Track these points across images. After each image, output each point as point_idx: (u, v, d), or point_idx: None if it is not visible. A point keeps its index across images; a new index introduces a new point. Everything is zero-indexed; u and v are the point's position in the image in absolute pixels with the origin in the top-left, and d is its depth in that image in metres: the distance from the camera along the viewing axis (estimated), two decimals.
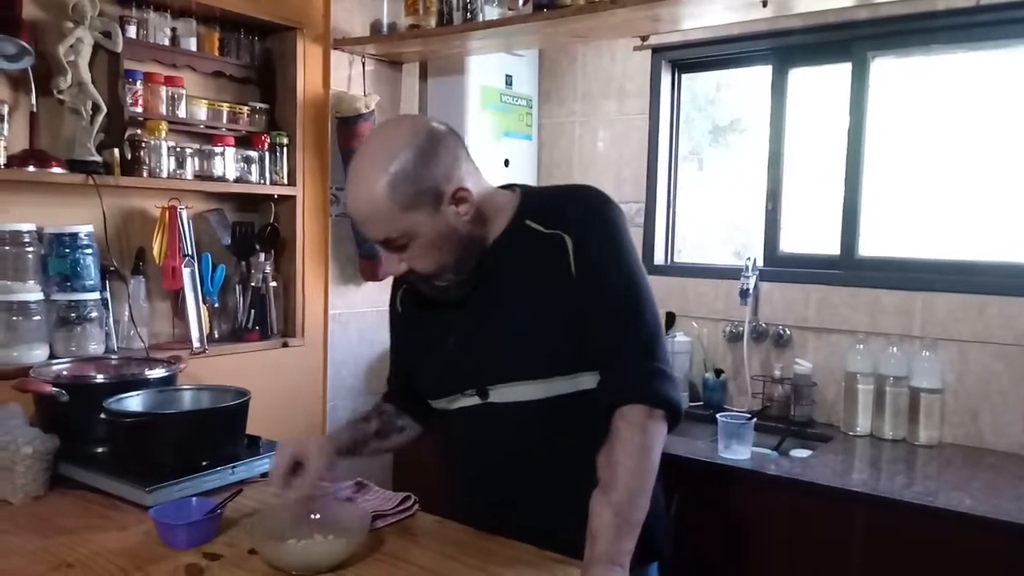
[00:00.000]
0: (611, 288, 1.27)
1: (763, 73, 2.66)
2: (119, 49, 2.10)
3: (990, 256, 2.30)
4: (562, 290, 1.27)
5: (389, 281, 2.79)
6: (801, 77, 2.61)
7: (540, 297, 1.29)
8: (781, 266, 2.62)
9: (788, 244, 2.67)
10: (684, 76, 2.88)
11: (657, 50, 2.79)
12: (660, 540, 1.39)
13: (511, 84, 2.94)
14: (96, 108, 2.08)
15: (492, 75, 2.87)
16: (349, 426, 1.47)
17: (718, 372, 2.63)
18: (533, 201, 1.36)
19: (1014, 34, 2.23)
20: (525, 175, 3.01)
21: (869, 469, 2.10)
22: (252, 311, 2.49)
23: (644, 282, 1.30)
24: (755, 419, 2.15)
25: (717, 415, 2.17)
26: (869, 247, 2.49)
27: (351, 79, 2.72)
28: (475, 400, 1.34)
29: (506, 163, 2.94)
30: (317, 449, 1.33)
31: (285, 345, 2.57)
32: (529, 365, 1.29)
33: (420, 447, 1.55)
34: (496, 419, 1.32)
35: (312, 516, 1.32)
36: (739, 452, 2.08)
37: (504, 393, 1.31)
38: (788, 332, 2.54)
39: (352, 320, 2.81)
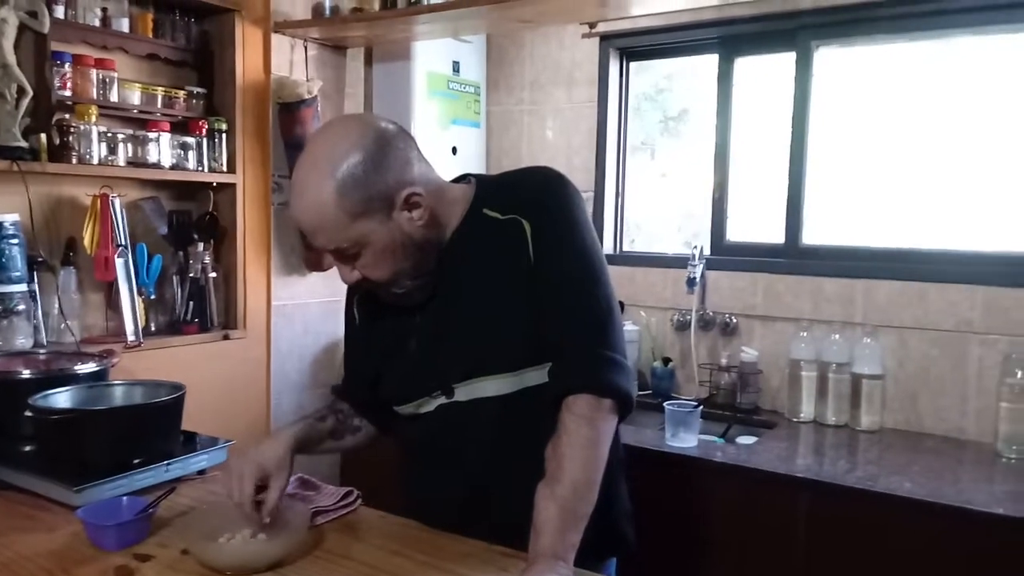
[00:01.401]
0: (563, 273, 1.23)
1: (710, 62, 2.67)
2: (46, 30, 2.02)
3: (929, 244, 2.34)
4: (523, 278, 1.23)
5: (335, 271, 2.76)
6: (747, 66, 2.63)
7: (501, 288, 1.25)
8: (728, 255, 2.64)
9: (735, 233, 2.69)
10: (632, 64, 2.88)
11: (605, 37, 2.78)
12: (625, 533, 1.37)
13: (458, 71, 2.91)
14: (21, 91, 1.99)
15: (439, 61, 2.83)
16: (302, 423, 1.39)
17: (666, 360, 2.64)
18: (488, 189, 1.32)
19: (953, 24, 2.27)
20: (473, 163, 2.98)
21: (812, 455, 2.13)
22: (191, 303, 2.42)
23: (599, 266, 1.26)
24: (702, 407, 2.17)
25: (665, 403, 2.17)
26: (813, 235, 2.53)
27: (293, 64, 2.66)
28: (441, 400, 1.29)
29: (454, 151, 2.90)
30: (277, 464, 1.26)
31: (226, 338, 2.50)
32: (494, 359, 1.25)
33: (367, 444, 1.50)
34: (465, 417, 1.27)
35: None
36: (686, 440, 2.09)
37: (471, 390, 1.26)
38: (735, 320, 2.56)
39: (296, 311, 2.75)
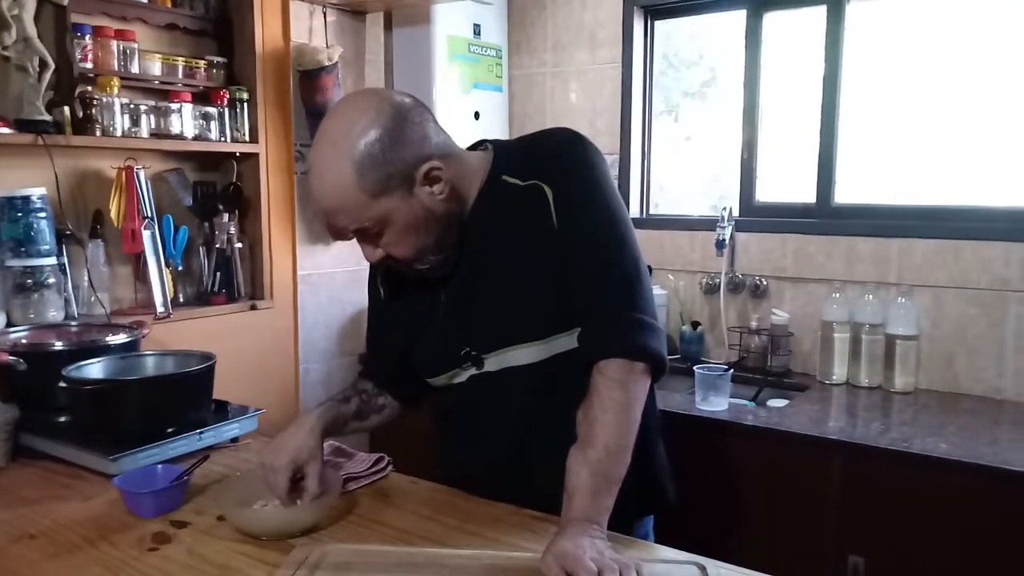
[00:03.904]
0: (588, 237, 1.21)
1: (738, 19, 2.61)
2: (66, 1, 2.00)
3: (965, 201, 2.29)
4: (547, 244, 1.21)
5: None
6: (776, 21, 2.56)
7: (526, 255, 1.23)
8: (757, 216, 2.60)
9: (764, 193, 2.64)
10: (658, 23, 2.82)
11: None
12: (666, 489, 1.37)
13: (479, 34, 2.86)
14: (44, 64, 1.98)
15: (459, 24, 2.79)
16: (326, 406, 1.36)
17: (695, 324, 2.61)
18: (506, 155, 1.29)
19: None
20: (496, 128, 2.95)
21: (845, 417, 2.10)
22: (218, 274, 2.42)
23: (624, 227, 1.23)
24: (732, 370, 2.15)
25: (694, 367, 2.16)
26: (845, 194, 2.48)
27: (312, 30, 2.63)
28: (470, 371, 1.29)
29: (476, 116, 2.87)
30: (309, 453, 1.25)
31: (253, 308, 2.50)
32: (523, 328, 1.24)
33: None
34: (496, 386, 1.27)
35: None
36: (716, 403, 2.07)
37: (501, 360, 1.25)
38: (765, 282, 2.53)
39: (322, 281, 2.75)
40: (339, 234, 2.86)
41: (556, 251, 1.20)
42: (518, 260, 1.24)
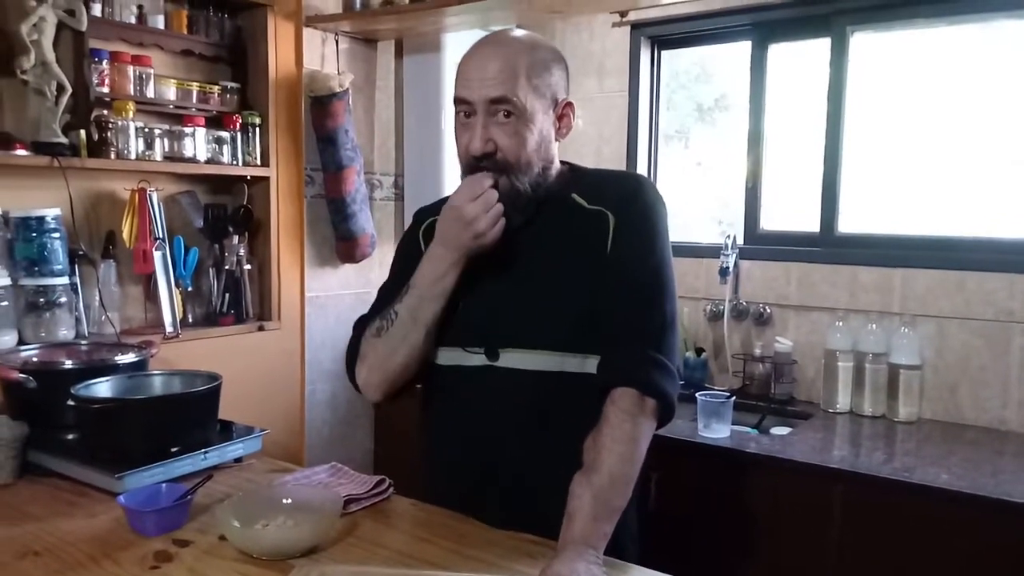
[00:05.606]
0: (637, 273, 1.26)
1: (744, 49, 2.64)
2: (84, 27, 2.05)
3: (969, 232, 2.29)
4: (595, 266, 1.26)
5: (365, 263, 2.78)
6: (781, 53, 2.59)
7: (572, 269, 1.28)
8: (762, 244, 2.61)
9: (769, 222, 2.65)
10: (664, 52, 2.85)
11: (636, 26, 2.76)
12: (627, 549, 1.33)
13: None
14: (61, 88, 2.02)
15: None
16: None
17: (699, 351, 2.62)
18: (581, 177, 1.37)
19: (993, 7, 2.22)
20: None
21: (848, 446, 2.10)
22: (227, 295, 2.45)
23: (670, 277, 1.29)
24: (735, 397, 2.15)
25: (697, 394, 2.16)
26: (849, 224, 2.49)
27: (324, 57, 2.67)
28: (481, 360, 1.31)
29: None
30: None
31: (261, 329, 2.53)
32: (543, 334, 1.27)
33: (400, 432, 1.51)
34: (498, 385, 1.29)
35: (284, 501, 1.30)
36: (719, 431, 2.07)
37: (512, 358, 1.28)
38: (769, 310, 2.54)
39: (330, 303, 2.78)
40: (347, 256, 2.86)
41: (600, 277, 1.26)
42: (563, 271, 1.28)
